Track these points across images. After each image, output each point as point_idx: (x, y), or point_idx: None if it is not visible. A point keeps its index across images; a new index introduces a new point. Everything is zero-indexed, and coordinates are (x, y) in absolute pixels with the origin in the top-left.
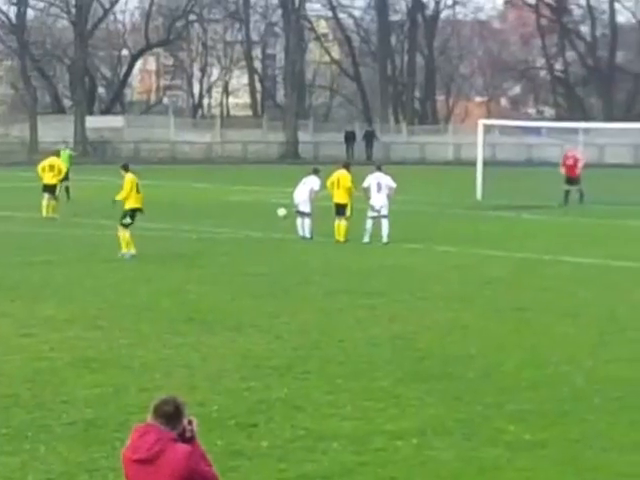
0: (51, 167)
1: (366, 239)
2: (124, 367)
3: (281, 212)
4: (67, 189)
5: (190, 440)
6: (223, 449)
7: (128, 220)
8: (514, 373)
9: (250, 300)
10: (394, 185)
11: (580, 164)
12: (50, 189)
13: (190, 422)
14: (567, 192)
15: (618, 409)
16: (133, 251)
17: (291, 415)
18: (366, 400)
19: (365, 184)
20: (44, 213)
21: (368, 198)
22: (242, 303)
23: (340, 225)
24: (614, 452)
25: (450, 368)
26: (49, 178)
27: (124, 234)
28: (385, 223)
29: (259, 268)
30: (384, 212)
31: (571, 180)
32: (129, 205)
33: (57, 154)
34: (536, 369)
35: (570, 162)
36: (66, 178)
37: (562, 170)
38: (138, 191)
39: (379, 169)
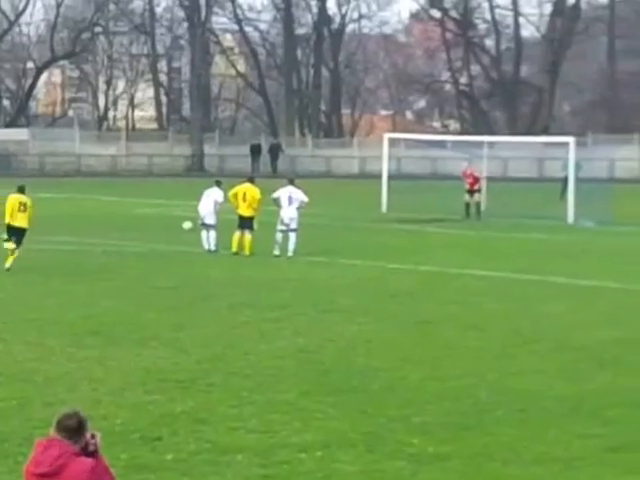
0: None
1: (276, 252)
2: (28, 381)
3: (186, 225)
4: None
5: (93, 454)
6: (127, 463)
7: (4, 236)
8: (418, 386)
9: (155, 313)
10: (306, 199)
11: (478, 182)
12: None
13: (93, 436)
14: (467, 205)
15: (521, 421)
16: (7, 265)
17: (195, 428)
18: (271, 413)
19: (275, 195)
20: None
21: (280, 208)
22: (147, 316)
23: (245, 238)
24: (517, 465)
25: (354, 381)
26: None
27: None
28: (293, 237)
29: (164, 281)
30: (293, 226)
31: (472, 192)
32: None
33: None
34: (440, 382)
35: (470, 180)
36: None
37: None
38: (23, 210)
39: (291, 182)
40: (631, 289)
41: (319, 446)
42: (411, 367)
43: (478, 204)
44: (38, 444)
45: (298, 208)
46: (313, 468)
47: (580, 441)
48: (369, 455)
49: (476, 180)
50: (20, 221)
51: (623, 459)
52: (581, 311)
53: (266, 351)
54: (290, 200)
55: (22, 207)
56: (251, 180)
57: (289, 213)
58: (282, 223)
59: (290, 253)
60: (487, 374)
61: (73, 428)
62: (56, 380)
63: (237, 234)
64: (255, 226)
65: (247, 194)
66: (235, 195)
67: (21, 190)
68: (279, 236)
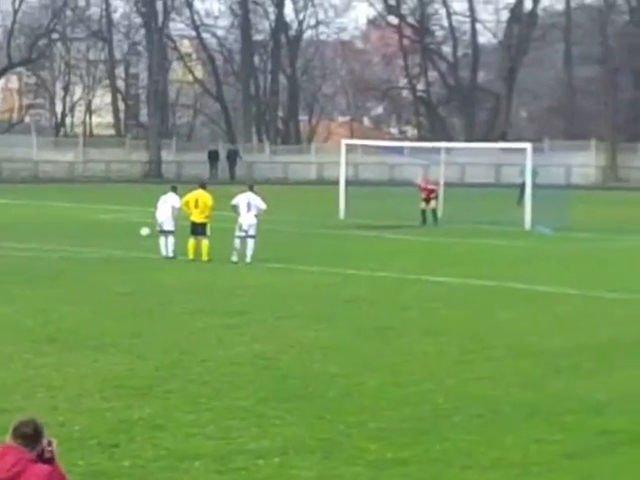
0: None
1: (234, 258)
2: None
3: (144, 231)
4: None
5: (50, 461)
6: (85, 469)
7: None
8: (375, 392)
9: (112, 320)
10: (264, 207)
11: (434, 192)
12: None
13: (50, 443)
14: (424, 211)
15: (478, 427)
16: None
17: (153, 435)
18: (228, 419)
19: (234, 202)
20: None
21: (238, 215)
22: (104, 323)
23: (202, 244)
24: (475, 470)
25: (312, 387)
26: None
27: None
28: (251, 243)
29: (122, 288)
30: (251, 232)
31: (428, 199)
32: None
33: None
34: (397, 388)
35: (425, 193)
36: None
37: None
38: None
39: (251, 189)
40: (587, 295)
41: (277, 452)
42: (369, 373)
43: (434, 210)
44: None
45: (256, 215)
46: (270, 474)
47: (537, 447)
48: (327, 461)
49: (431, 191)
50: None
51: (580, 465)
52: (538, 317)
53: (224, 357)
54: (249, 206)
55: None
56: (203, 186)
57: (248, 219)
58: (240, 229)
59: (248, 259)
60: (445, 380)
61: (29, 435)
62: (13, 387)
63: (191, 241)
64: (208, 232)
65: (199, 200)
66: (187, 203)
67: None
68: (237, 242)
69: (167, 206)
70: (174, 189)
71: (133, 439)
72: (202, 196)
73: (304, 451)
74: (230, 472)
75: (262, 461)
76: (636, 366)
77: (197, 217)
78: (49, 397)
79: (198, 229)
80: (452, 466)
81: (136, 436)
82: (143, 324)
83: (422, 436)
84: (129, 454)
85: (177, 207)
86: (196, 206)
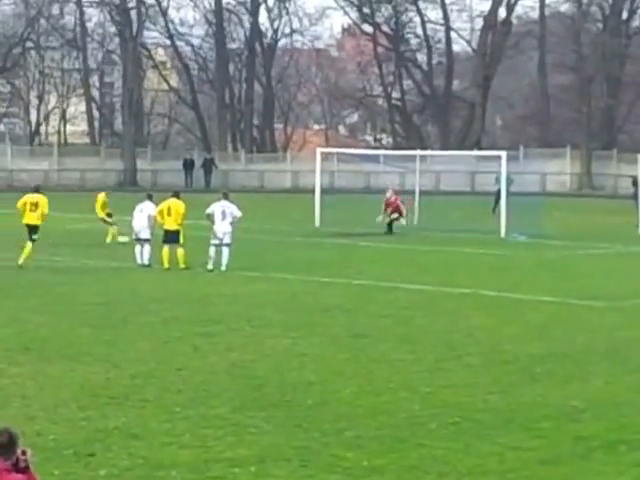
0: None
1: (210, 266)
2: None
3: (122, 239)
4: None
5: (25, 470)
6: (60, 479)
7: None
8: (352, 400)
9: (87, 329)
10: (239, 214)
11: (400, 207)
12: None
13: (24, 452)
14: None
15: (454, 434)
16: None
17: (129, 444)
18: (204, 428)
19: (209, 210)
20: None
21: (212, 223)
22: (79, 332)
23: (177, 252)
24: (451, 477)
25: (288, 396)
26: None
27: None
28: (226, 251)
29: (97, 297)
30: (227, 240)
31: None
32: None
33: None
34: (373, 396)
35: (390, 209)
36: None
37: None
38: None
39: (226, 197)
40: (562, 302)
41: (253, 461)
42: (345, 381)
43: (393, 221)
44: None
45: (231, 223)
46: None
47: (514, 453)
48: (303, 470)
49: (396, 208)
50: None
51: (556, 472)
52: (513, 324)
53: (199, 366)
54: (224, 214)
55: None
56: (176, 195)
57: (223, 227)
58: (215, 237)
59: (223, 267)
60: (421, 387)
61: (4, 444)
62: None
63: (165, 249)
64: (181, 240)
65: (172, 208)
66: (161, 211)
67: None
68: (212, 250)
69: (143, 215)
70: (150, 197)
71: (109, 448)
72: (174, 204)
73: (281, 459)
74: None
75: (238, 469)
76: (611, 373)
77: (170, 224)
78: (24, 406)
79: (171, 236)
80: (428, 473)
81: (112, 445)
82: (118, 333)
83: (398, 444)
84: (105, 463)
85: (153, 215)
86: (169, 214)
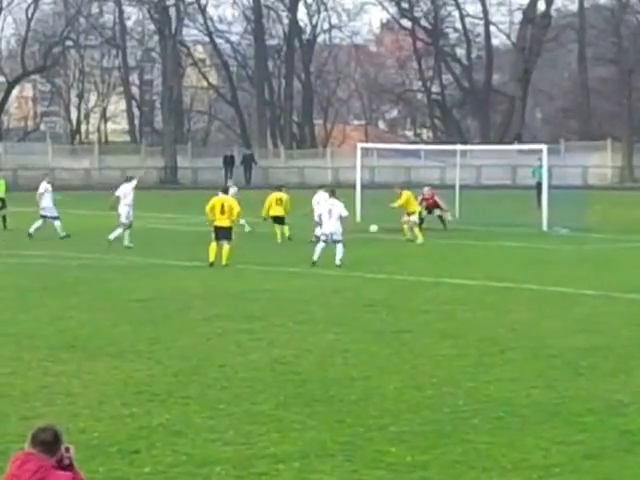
0: None
1: (315, 258)
2: (4, 396)
3: (373, 228)
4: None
5: (69, 467)
6: (105, 476)
7: None
8: (395, 395)
9: (131, 326)
10: (345, 214)
11: (439, 202)
12: None
13: (67, 449)
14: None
15: (498, 429)
16: None
17: (173, 441)
18: (248, 424)
19: (318, 210)
20: None
21: (320, 223)
22: (123, 329)
23: (223, 249)
24: (495, 472)
25: (331, 391)
26: None
27: None
28: (339, 247)
29: (139, 294)
30: (336, 237)
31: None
32: None
33: None
34: (417, 391)
35: (429, 202)
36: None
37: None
38: None
39: (332, 194)
40: (606, 296)
41: (297, 456)
42: (388, 376)
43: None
44: (15, 459)
45: (339, 220)
46: (291, 478)
47: (558, 448)
48: (347, 465)
49: (434, 203)
50: None
51: (601, 466)
52: (556, 318)
53: (242, 363)
54: (330, 213)
55: None
56: (225, 191)
57: (331, 226)
58: (324, 236)
59: (337, 262)
60: (464, 382)
61: (49, 442)
62: (33, 394)
63: (214, 244)
64: (232, 237)
65: (225, 205)
66: (212, 208)
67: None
68: (320, 247)
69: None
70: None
71: (153, 445)
72: (227, 201)
73: (324, 455)
74: (250, 477)
75: (282, 465)
76: None
77: (222, 221)
78: (69, 404)
79: (224, 233)
80: (473, 468)
81: (156, 442)
82: (161, 330)
83: (442, 439)
84: (149, 460)
85: (126, 196)
86: (222, 211)
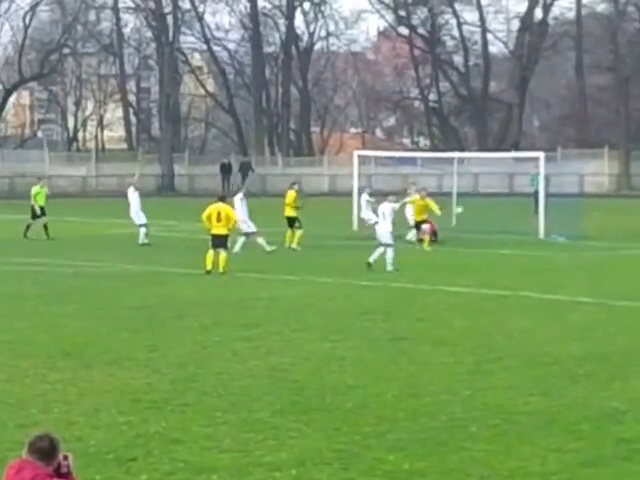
0: None
1: (370, 259)
2: (0, 403)
3: (459, 209)
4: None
5: (67, 475)
6: None
7: None
8: (392, 403)
9: (127, 334)
10: (397, 206)
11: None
12: None
13: (65, 457)
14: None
15: (495, 436)
16: None
17: (170, 449)
18: (245, 432)
19: (377, 213)
20: None
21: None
22: (119, 337)
23: (220, 257)
24: None
25: (328, 399)
26: None
27: None
28: (389, 251)
29: (136, 302)
30: (386, 240)
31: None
32: None
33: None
34: (414, 398)
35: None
36: (43, 214)
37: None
38: None
39: (386, 198)
40: (602, 303)
41: (294, 464)
42: (385, 384)
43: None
44: (11, 467)
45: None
46: None
47: (555, 456)
48: (344, 473)
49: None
50: None
51: (598, 474)
52: (553, 326)
53: (239, 370)
54: (384, 216)
55: None
56: (222, 199)
57: (384, 228)
58: (383, 238)
59: (389, 267)
60: (461, 390)
61: (46, 450)
62: (29, 402)
63: (210, 252)
64: (229, 245)
65: (221, 213)
66: (209, 216)
67: None
68: (380, 252)
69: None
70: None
71: (150, 453)
72: (224, 209)
73: (321, 462)
74: None
75: (279, 473)
76: None
77: (219, 229)
78: (65, 412)
79: (220, 241)
80: (470, 476)
81: (153, 450)
82: (158, 338)
83: (439, 447)
84: (146, 468)
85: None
86: (218, 219)
